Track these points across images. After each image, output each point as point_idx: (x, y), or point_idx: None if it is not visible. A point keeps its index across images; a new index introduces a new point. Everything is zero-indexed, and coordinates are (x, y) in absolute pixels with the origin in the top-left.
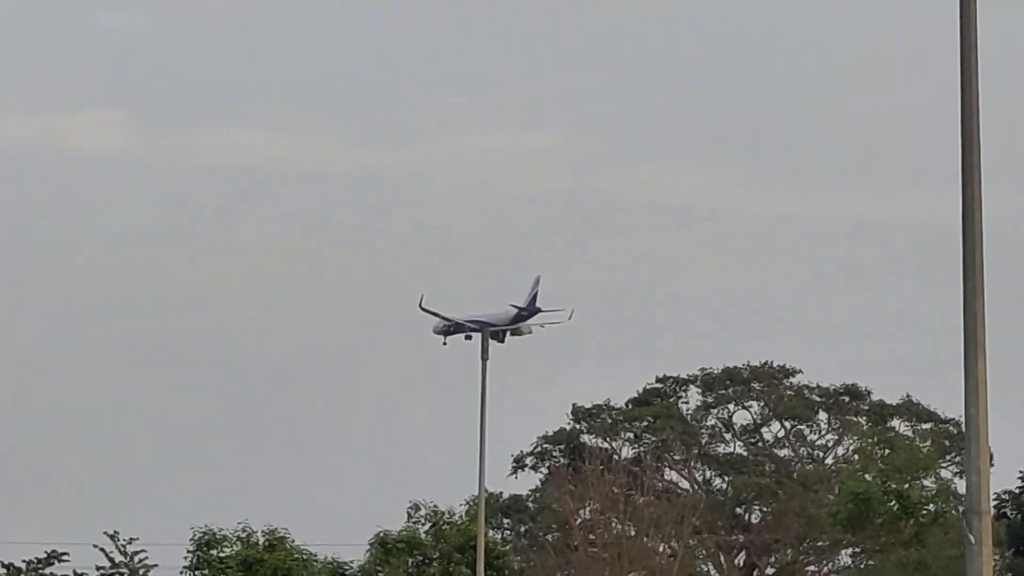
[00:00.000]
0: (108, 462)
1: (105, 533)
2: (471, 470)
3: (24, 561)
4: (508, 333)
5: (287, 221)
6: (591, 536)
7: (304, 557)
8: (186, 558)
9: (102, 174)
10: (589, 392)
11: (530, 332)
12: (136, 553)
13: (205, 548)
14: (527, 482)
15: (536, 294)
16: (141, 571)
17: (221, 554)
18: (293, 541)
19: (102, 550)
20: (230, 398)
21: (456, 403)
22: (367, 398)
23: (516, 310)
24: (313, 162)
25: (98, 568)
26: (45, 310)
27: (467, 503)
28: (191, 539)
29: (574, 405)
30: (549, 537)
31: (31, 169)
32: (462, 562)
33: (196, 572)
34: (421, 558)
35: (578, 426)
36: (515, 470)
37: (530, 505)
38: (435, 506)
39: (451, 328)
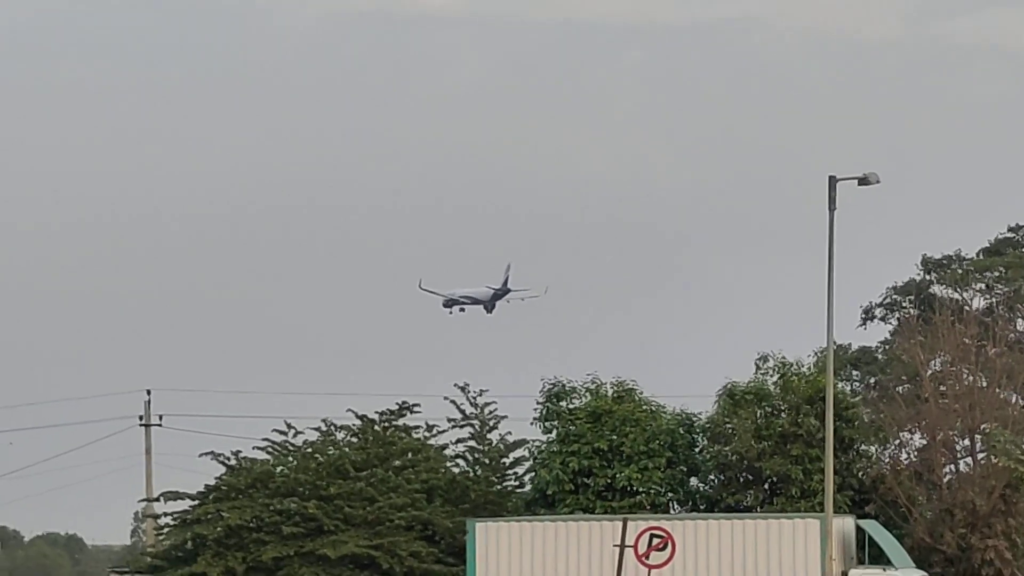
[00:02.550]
0: (458, 315)
1: (455, 385)
2: (819, 321)
3: (377, 412)
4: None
5: (627, 75)
6: (942, 387)
7: (652, 408)
8: (535, 409)
9: (442, 32)
10: (939, 242)
11: (878, 181)
12: (486, 405)
13: (555, 400)
14: (876, 333)
15: (508, 278)
16: (491, 422)
17: (570, 406)
18: (641, 393)
19: (452, 402)
20: (578, 251)
21: (803, 253)
22: (713, 250)
23: (492, 290)
24: (652, 15)
25: (449, 419)
26: (401, 166)
27: (815, 354)
28: (540, 391)
29: (924, 255)
30: (899, 389)
31: (376, 30)
32: (811, 413)
33: (545, 423)
34: (769, 409)
35: (928, 276)
36: (864, 321)
37: (879, 356)
38: (783, 357)
39: (449, 302)
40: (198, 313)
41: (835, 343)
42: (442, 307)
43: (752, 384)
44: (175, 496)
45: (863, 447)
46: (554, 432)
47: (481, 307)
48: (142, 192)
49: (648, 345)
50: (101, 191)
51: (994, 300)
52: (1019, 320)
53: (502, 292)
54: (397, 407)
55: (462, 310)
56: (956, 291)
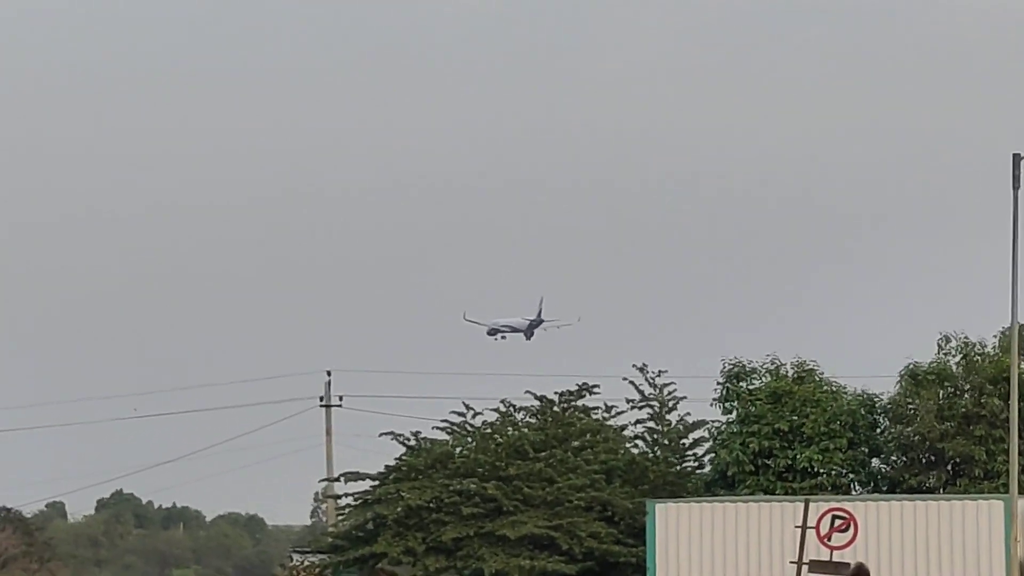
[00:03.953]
0: (640, 295)
1: (634, 366)
2: (1003, 301)
3: (556, 393)
4: None
5: (809, 51)
6: None
7: (833, 389)
8: (715, 390)
9: (622, 8)
10: None
11: None
12: (665, 385)
13: (734, 380)
14: None
15: (541, 310)
16: (670, 403)
17: (750, 386)
18: (822, 373)
19: (631, 383)
20: (757, 229)
21: (987, 232)
22: (895, 229)
23: (528, 321)
24: None
25: (628, 400)
26: (561, 142)
27: (999, 334)
28: (721, 371)
29: None
30: None
31: (548, 6)
32: (994, 394)
33: (725, 404)
34: (952, 390)
35: None
36: None
37: None
38: (966, 337)
39: (492, 331)
40: (378, 294)
41: (1019, 323)
42: (487, 335)
43: (934, 364)
44: (355, 476)
45: None
46: (734, 413)
47: (521, 335)
48: (317, 172)
49: (829, 325)
50: (278, 169)
51: None
52: None
53: (536, 322)
54: (576, 388)
55: (503, 337)
56: None
